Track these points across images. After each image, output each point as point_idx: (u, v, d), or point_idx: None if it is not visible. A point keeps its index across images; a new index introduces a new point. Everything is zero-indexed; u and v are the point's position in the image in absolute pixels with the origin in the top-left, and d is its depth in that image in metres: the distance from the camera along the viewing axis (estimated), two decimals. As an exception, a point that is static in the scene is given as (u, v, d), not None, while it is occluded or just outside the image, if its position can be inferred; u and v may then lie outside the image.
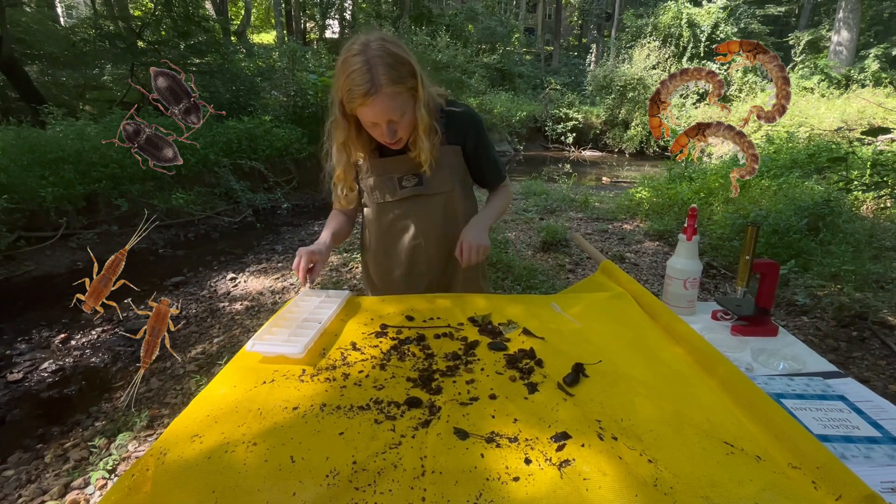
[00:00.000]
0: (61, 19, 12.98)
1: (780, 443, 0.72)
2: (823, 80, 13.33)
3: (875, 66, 13.41)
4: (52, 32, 8.56)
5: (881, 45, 14.67)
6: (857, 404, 0.87)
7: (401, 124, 1.14)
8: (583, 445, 0.71)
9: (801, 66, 14.81)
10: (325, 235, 1.31)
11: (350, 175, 1.29)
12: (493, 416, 0.78)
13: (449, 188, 1.32)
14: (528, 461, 0.68)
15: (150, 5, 9.71)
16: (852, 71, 13.65)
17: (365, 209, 1.41)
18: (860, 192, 4.53)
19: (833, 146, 6.97)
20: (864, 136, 6.73)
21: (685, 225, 1.25)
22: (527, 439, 0.72)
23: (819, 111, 10.98)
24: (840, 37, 14.14)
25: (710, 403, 0.81)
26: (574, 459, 0.68)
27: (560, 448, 0.70)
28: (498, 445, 0.71)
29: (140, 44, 8.58)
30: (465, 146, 1.32)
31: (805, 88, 13.17)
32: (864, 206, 4.83)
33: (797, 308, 3.20)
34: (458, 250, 1.24)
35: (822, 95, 12.47)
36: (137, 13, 10.03)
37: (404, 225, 1.33)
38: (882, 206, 4.64)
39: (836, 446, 0.76)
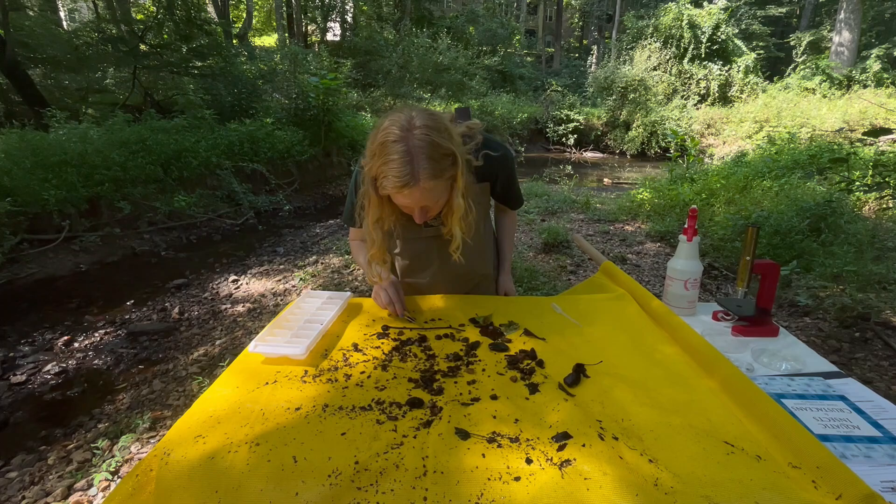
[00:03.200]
0: (64, 23, 13.04)
1: (779, 442, 0.72)
2: (825, 81, 13.33)
3: (877, 66, 13.40)
4: (56, 36, 8.58)
5: (883, 46, 14.67)
6: (858, 404, 0.87)
7: (434, 208, 1.10)
8: (584, 445, 0.71)
9: (802, 66, 14.81)
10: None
11: (384, 251, 1.20)
12: (495, 417, 0.79)
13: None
14: (529, 461, 0.68)
15: (153, 9, 9.75)
16: (854, 71, 13.64)
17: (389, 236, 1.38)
18: (862, 193, 4.53)
19: (835, 147, 6.97)
20: (865, 137, 6.72)
21: (685, 226, 1.25)
22: (528, 439, 0.73)
23: (821, 112, 10.99)
24: (841, 38, 14.14)
25: (711, 404, 0.81)
26: (575, 459, 0.68)
27: (561, 448, 0.71)
28: (499, 445, 0.72)
29: (142, 47, 8.61)
30: (495, 185, 1.30)
31: (807, 89, 13.16)
32: (866, 207, 4.83)
33: (799, 309, 3.19)
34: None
35: (824, 96, 12.47)
36: (140, 17, 10.08)
37: (427, 260, 1.33)
38: (884, 206, 4.63)
39: (836, 446, 0.76)
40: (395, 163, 0.97)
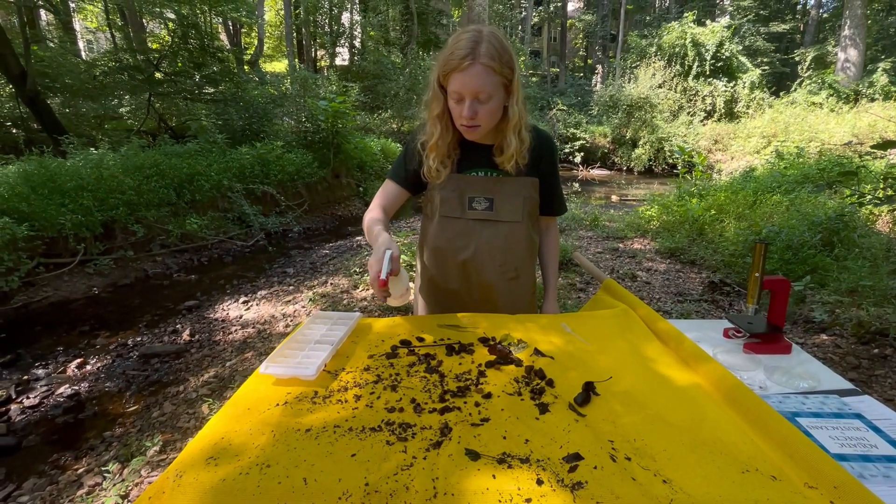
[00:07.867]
0: (83, 53, 13.49)
1: (794, 462, 0.71)
2: (832, 95, 13.31)
3: (884, 79, 13.38)
4: (74, 66, 8.88)
5: (889, 59, 14.68)
6: (875, 422, 0.85)
7: (483, 110, 1.14)
8: (595, 467, 0.70)
9: (808, 81, 14.83)
10: (385, 234, 1.16)
11: (444, 146, 1.25)
12: (505, 437, 0.78)
13: (517, 219, 1.30)
14: (539, 482, 0.68)
15: (168, 38, 10.06)
16: (860, 85, 13.62)
17: (427, 219, 1.40)
18: (874, 206, 4.48)
19: (844, 160, 6.93)
20: (874, 150, 6.68)
21: None
22: (538, 460, 0.72)
23: (829, 126, 10.95)
24: (847, 54, 14.16)
25: (722, 422, 0.80)
26: (587, 482, 0.67)
27: (572, 469, 0.70)
28: (509, 466, 0.71)
29: (157, 75, 8.87)
30: (542, 173, 1.31)
31: (814, 104, 13.14)
32: (880, 221, 4.77)
33: (815, 325, 3.14)
34: None
35: (832, 110, 12.44)
36: (155, 46, 10.39)
37: (464, 244, 1.30)
38: (898, 220, 4.58)
39: (853, 466, 0.75)
40: (461, 42, 1.09)
